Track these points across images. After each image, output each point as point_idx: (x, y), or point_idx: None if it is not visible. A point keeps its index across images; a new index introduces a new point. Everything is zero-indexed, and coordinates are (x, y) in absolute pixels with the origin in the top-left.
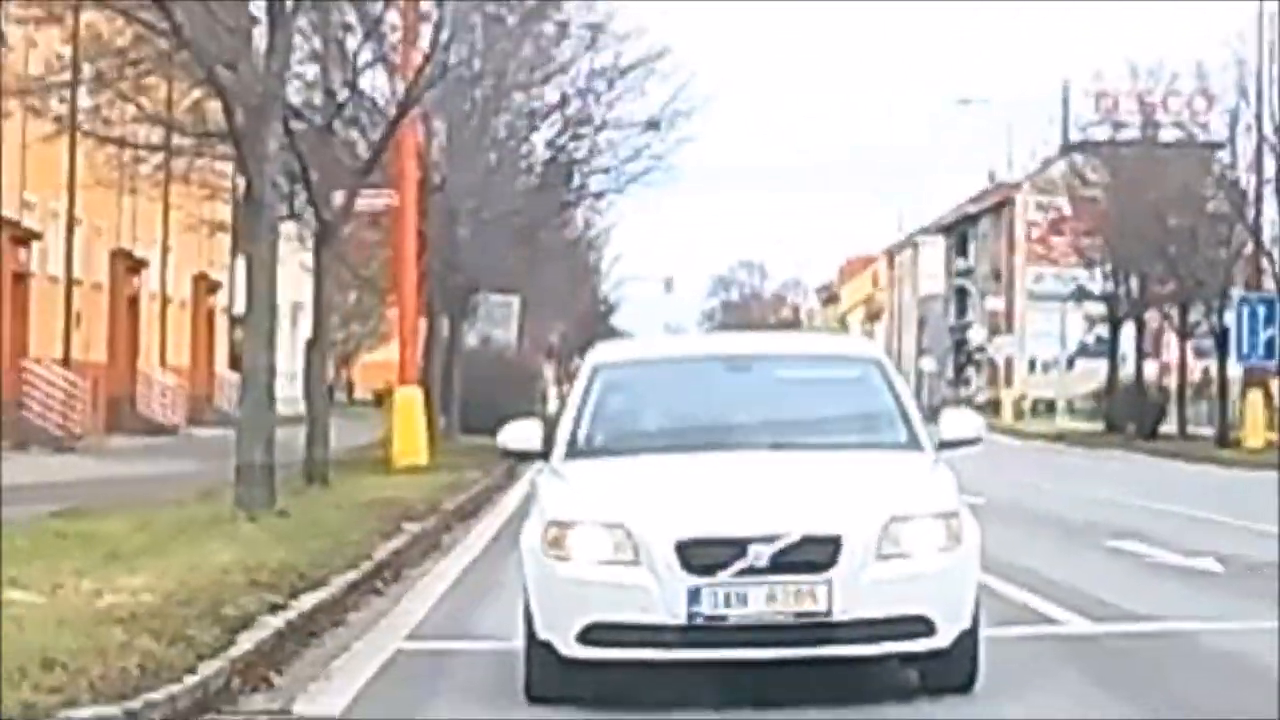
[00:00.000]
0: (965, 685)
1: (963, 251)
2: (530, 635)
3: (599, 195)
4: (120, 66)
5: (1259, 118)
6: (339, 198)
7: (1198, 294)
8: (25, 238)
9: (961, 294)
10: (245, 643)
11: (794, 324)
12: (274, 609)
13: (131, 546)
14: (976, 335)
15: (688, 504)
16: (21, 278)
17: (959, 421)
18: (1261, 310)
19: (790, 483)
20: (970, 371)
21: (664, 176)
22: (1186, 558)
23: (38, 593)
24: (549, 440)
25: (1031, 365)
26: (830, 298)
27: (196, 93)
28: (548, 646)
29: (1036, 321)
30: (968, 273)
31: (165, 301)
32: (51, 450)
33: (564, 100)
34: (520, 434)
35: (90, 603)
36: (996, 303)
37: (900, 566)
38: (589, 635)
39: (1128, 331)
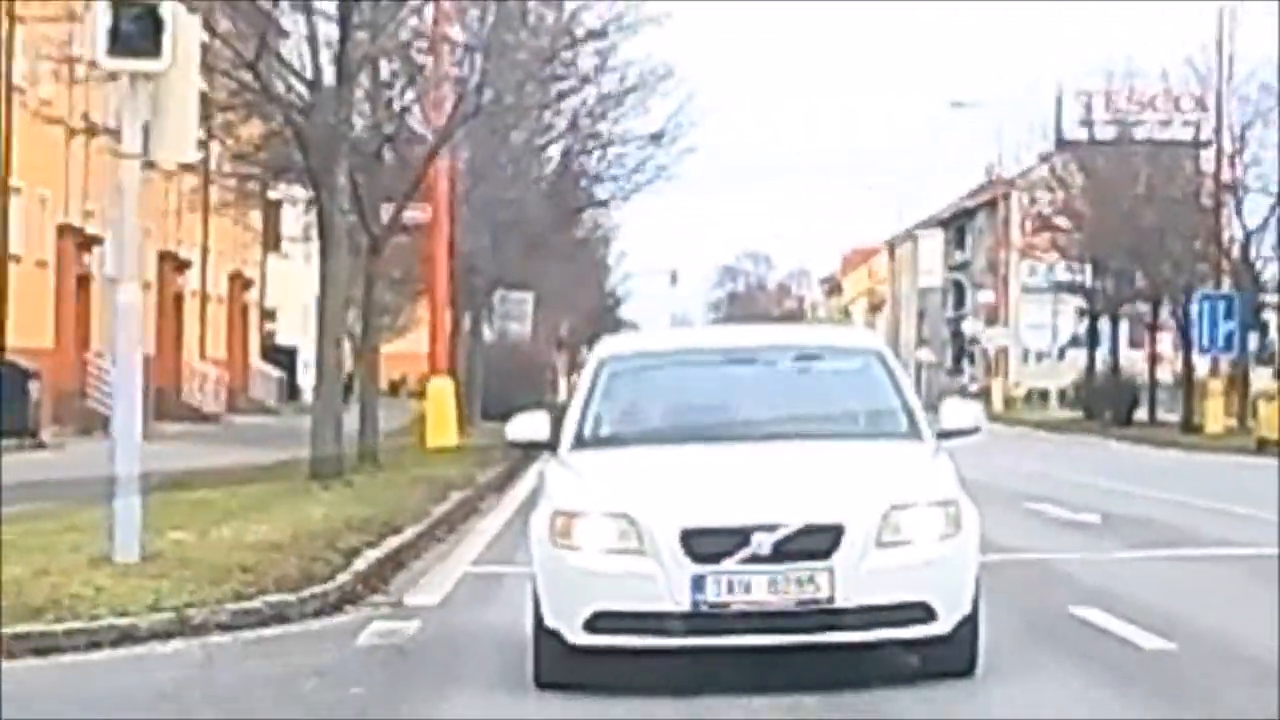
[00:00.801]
0: (966, 670)
1: (960, 245)
2: (538, 623)
3: (606, 203)
4: (211, 115)
5: (1218, 130)
6: (386, 214)
7: (1165, 290)
8: (88, 243)
9: (959, 286)
10: (359, 564)
11: (798, 315)
12: (370, 545)
13: (238, 508)
14: (970, 327)
15: (692, 494)
16: (84, 279)
17: (959, 411)
18: (1221, 306)
19: (792, 472)
20: (965, 362)
21: (668, 183)
22: (1076, 513)
23: (194, 535)
24: (556, 431)
25: (1025, 356)
26: (833, 289)
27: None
28: (555, 634)
29: (1030, 314)
30: (964, 266)
31: (205, 298)
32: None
33: (575, 120)
34: (528, 426)
35: (240, 539)
36: (988, 295)
37: (901, 554)
38: (596, 623)
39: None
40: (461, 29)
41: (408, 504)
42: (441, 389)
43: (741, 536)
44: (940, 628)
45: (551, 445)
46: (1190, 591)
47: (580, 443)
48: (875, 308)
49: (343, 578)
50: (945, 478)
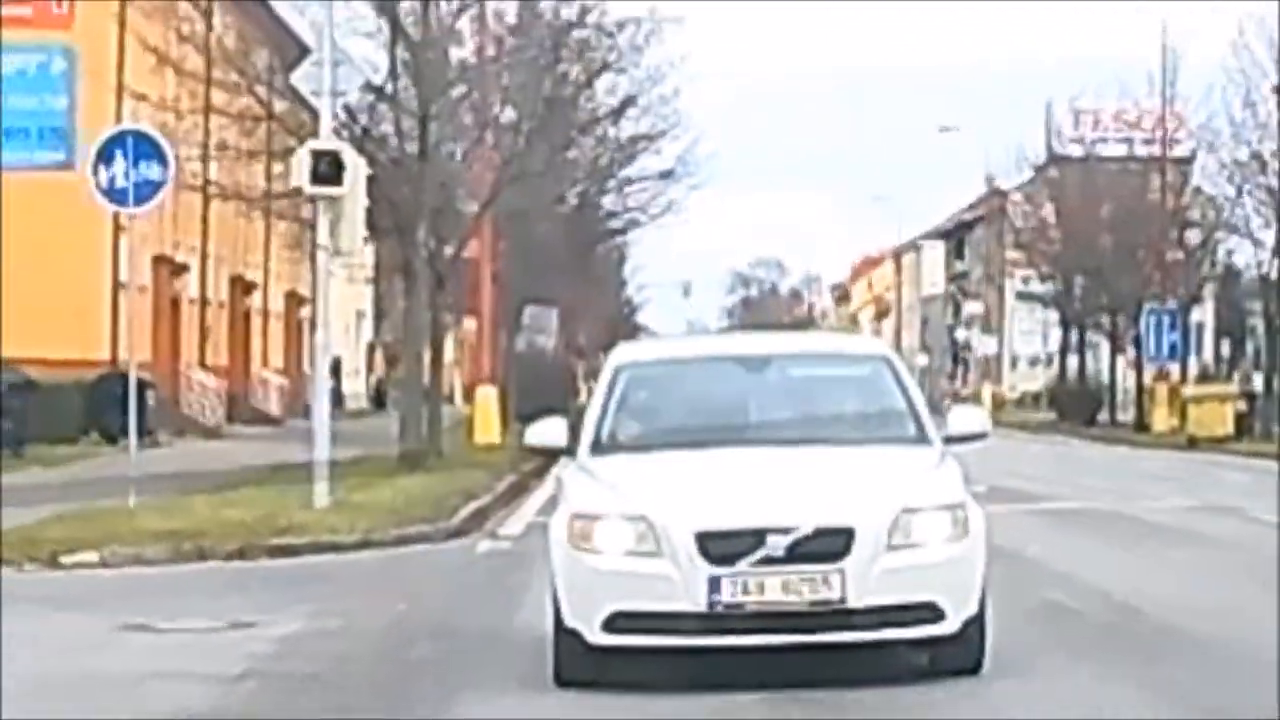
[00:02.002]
0: (973, 669)
1: (959, 255)
2: (558, 623)
3: (623, 232)
4: None
5: (1164, 147)
6: (449, 254)
7: (1120, 304)
8: (177, 270)
9: (959, 295)
10: (462, 513)
11: (808, 322)
12: (463, 504)
13: (369, 480)
14: (962, 334)
15: (707, 497)
16: (175, 302)
17: (967, 417)
18: (1166, 319)
19: (805, 476)
20: (959, 367)
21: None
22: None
23: (354, 493)
24: (573, 437)
25: (1014, 362)
26: (842, 296)
27: None
28: (575, 634)
29: (1025, 321)
30: (964, 275)
31: (267, 315)
32: (202, 436)
33: (595, 163)
34: (546, 432)
35: (383, 497)
36: (976, 306)
37: (910, 556)
38: (614, 623)
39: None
40: (513, 109)
41: (477, 482)
42: (487, 395)
43: (756, 539)
44: (948, 627)
45: (569, 450)
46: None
47: (598, 447)
48: (881, 315)
49: (455, 520)
50: (953, 482)
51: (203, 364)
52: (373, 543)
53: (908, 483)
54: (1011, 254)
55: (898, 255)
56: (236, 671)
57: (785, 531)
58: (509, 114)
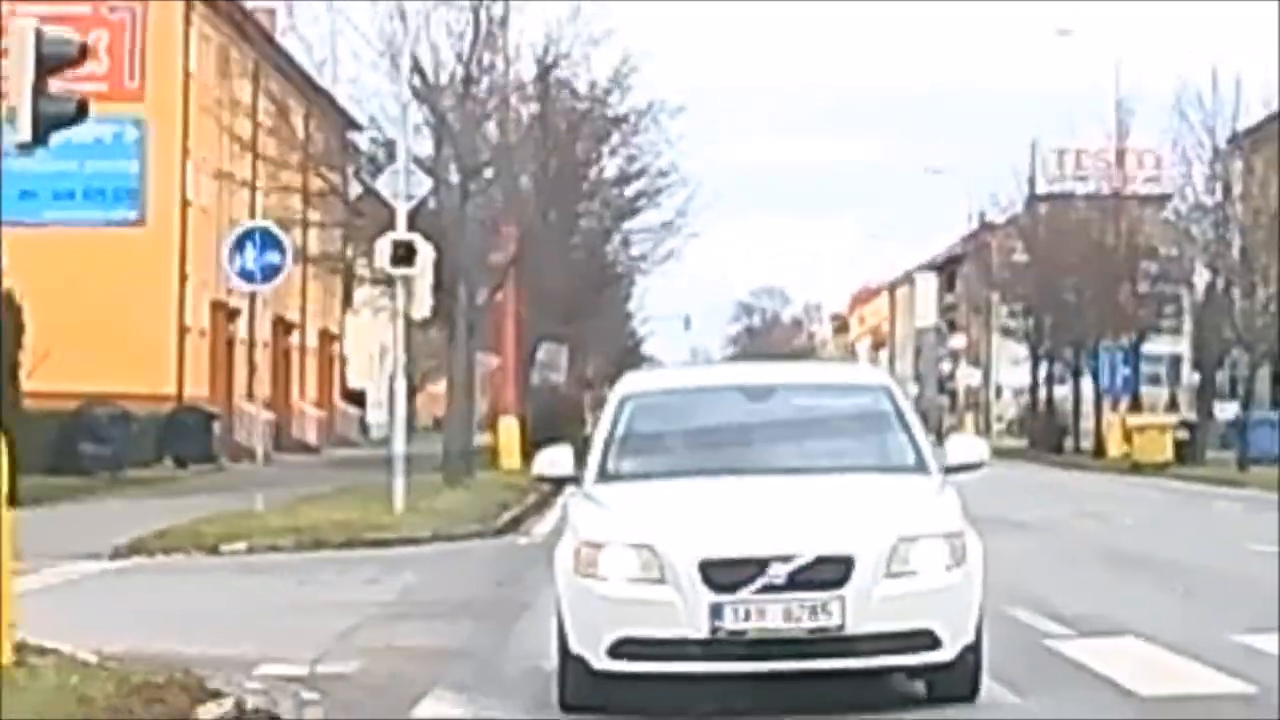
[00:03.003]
0: (969, 695)
1: (950, 288)
2: (564, 649)
3: (628, 278)
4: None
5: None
6: (481, 300)
7: (1083, 339)
8: (232, 314)
9: (951, 326)
10: (503, 519)
11: (809, 352)
12: (501, 512)
13: (424, 493)
14: (947, 366)
15: (710, 526)
16: (230, 343)
17: (965, 446)
18: (1119, 355)
19: (806, 505)
20: (944, 398)
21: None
22: None
23: (419, 502)
24: (580, 465)
25: (998, 391)
26: (841, 326)
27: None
28: (580, 660)
29: (1012, 351)
30: (954, 307)
31: (304, 352)
32: (250, 461)
33: (601, 221)
34: (554, 461)
35: (442, 505)
36: (959, 340)
37: (908, 584)
38: (619, 649)
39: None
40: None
41: (509, 497)
42: (511, 424)
43: (758, 567)
44: (944, 655)
45: (576, 479)
46: None
47: (603, 476)
48: (878, 345)
49: (498, 523)
50: (951, 510)
51: (250, 397)
52: (441, 538)
53: (906, 511)
54: (985, 292)
55: (892, 288)
56: (388, 599)
57: (786, 559)
58: (526, 180)
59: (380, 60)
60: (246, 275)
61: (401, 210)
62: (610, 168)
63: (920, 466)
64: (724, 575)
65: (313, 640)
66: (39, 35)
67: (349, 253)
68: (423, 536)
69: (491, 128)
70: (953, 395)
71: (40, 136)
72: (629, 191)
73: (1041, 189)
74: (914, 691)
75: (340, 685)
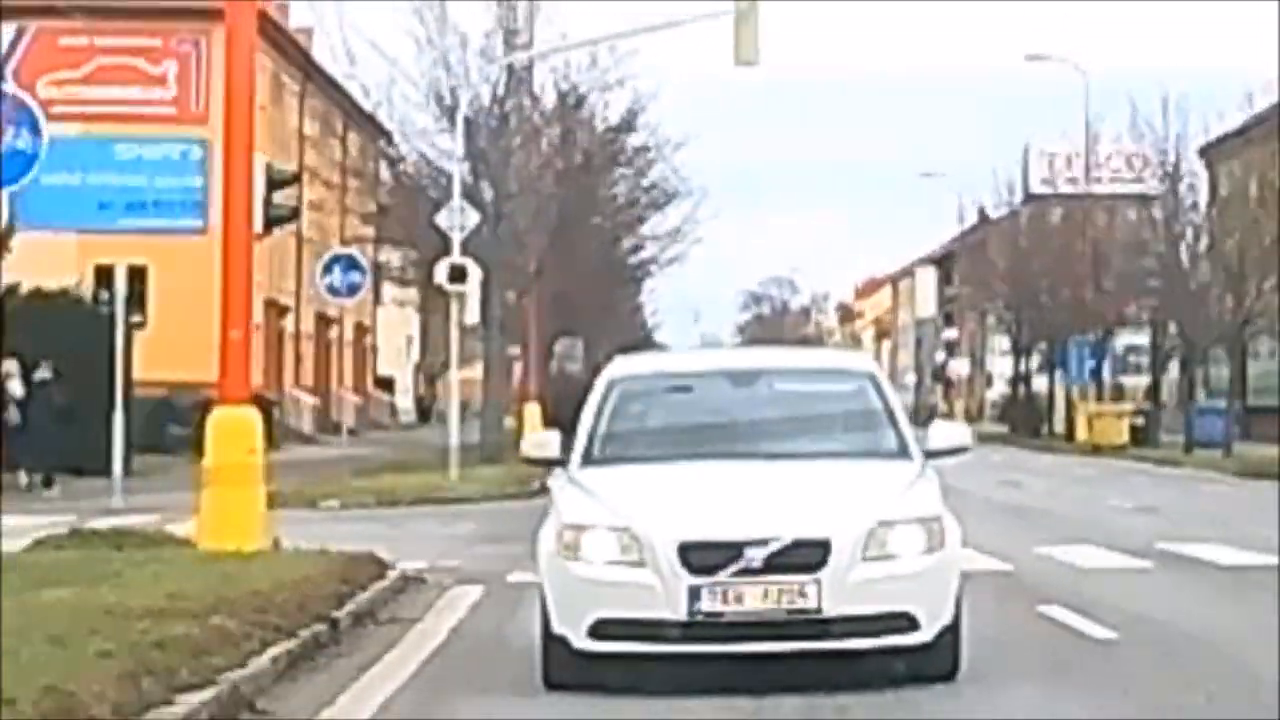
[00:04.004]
0: (948, 675)
1: (949, 281)
2: (546, 629)
3: (639, 279)
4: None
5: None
6: (510, 300)
7: (1056, 333)
8: (282, 311)
9: (948, 318)
10: (536, 484)
11: (815, 340)
12: (534, 480)
13: (471, 465)
14: (941, 356)
15: (690, 509)
16: (280, 337)
17: (947, 432)
18: (1086, 348)
19: (784, 489)
20: (942, 386)
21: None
22: None
23: (472, 470)
24: (566, 449)
25: (989, 380)
26: (846, 316)
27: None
28: (562, 640)
29: (1003, 343)
30: (952, 300)
31: (342, 344)
32: (301, 443)
33: (613, 233)
34: (540, 443)
35: (486, 474)
36: (952, 332)
37: (885, 567)
38: (599, 630)
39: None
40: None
41: (537, 473)
42: (533, 409)
43: (735, 550)
44: (922, 636)
45: (562, 462)
46: None
47: (588, 460)
48: (882, 335)
49: (532, 487)
50: (930, 496)
51: (297, 385)
52: (491, 498)
53: (884, 496)
54: (966, 289)
55: (895, 280)
56: (461, 534)
57: (763, 543)
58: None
59: (427, 101)
60: (334, 291)
61: (456, 239)
62: (621, 185)
63: (902, 452)
64: (702, 558)
65: (423, 553)
66: (269, 168)
67: (379, 256)
68: (475, 496)
69: (519, 154)
70: (948, 384)
71: (268, 230)
72: (640, 195)
73: (1035, 188)
74: (894, 672)
75: (453, 572)
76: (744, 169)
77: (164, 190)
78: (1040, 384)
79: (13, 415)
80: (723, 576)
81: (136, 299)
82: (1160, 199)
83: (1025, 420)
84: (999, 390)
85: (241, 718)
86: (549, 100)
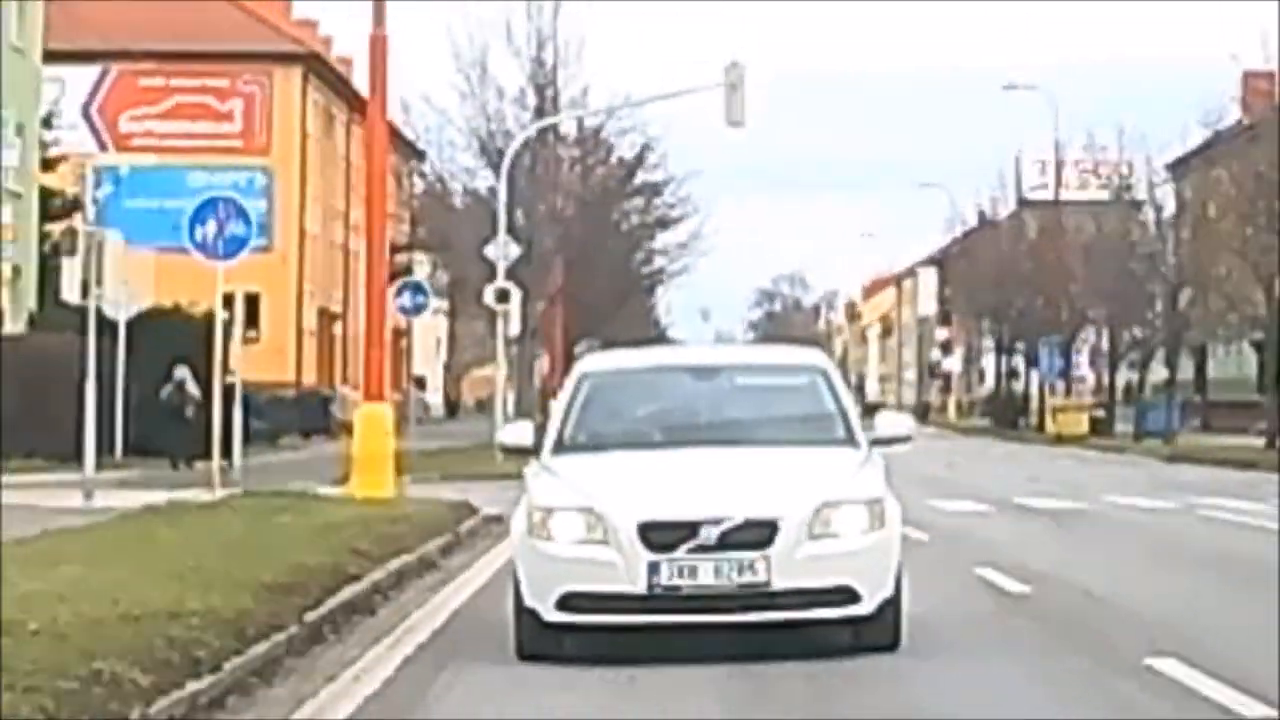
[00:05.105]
0: (890, 645)
1: (948, 282)
2: (518, 603)
3: (651, 287)
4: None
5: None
6: (539, 311)
7: (1032, 334)
8: (334, 318)
9: (945, 317)
10: None
11: (823, 337)
12: None
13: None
14: (935, 354)
15: (649, 492)
16: (331, 339)
17: (892, 422)
18: (1056, 348)
19: (737, 474)
20: (936, 381)
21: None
22: None
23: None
24: (539, 438)
25: (980, 376)
26: (853, 314)
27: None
28: (533, 613)
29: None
30: (951, 299)
31: (383, 345)
32: (348, 435)
33: (629, 251)
34: (515, 433)
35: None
36: (944, 332)
37: (829, 545)
38: (566, 603)
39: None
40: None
41: None
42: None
43: (691, 529)
44: (864, 608)
45: (535, 450)
46: None
47: (559, 447)
48: (887, 332)
49: None
50: (873, 479)
51: (344, 382)
52: None
53: (829, 480)
54: (957, 291)
55: (899, 280)
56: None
57: (717, 522)
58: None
59: (469, 143)
60: (404, 310)
61: (501, 267)
62: (634, 215)
63: (849, 440)
64: (661, 536)
65: (493, 506)
66: (394, 247)
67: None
68: (516, 474)
69: (547, 188)
70: (946, 379)
71: (391, 281)
72: (650, 217)
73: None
74: (840, 642)
75: None
76: (758, 166)
77: None
78: (1024, 381)
79: (190, 411)
80: (680, 553)
81: (251, 317)
82: (1117, 209)
83: (1005, 414)
84: (989, 387)
85: (421, 575)
86: (572, 141)
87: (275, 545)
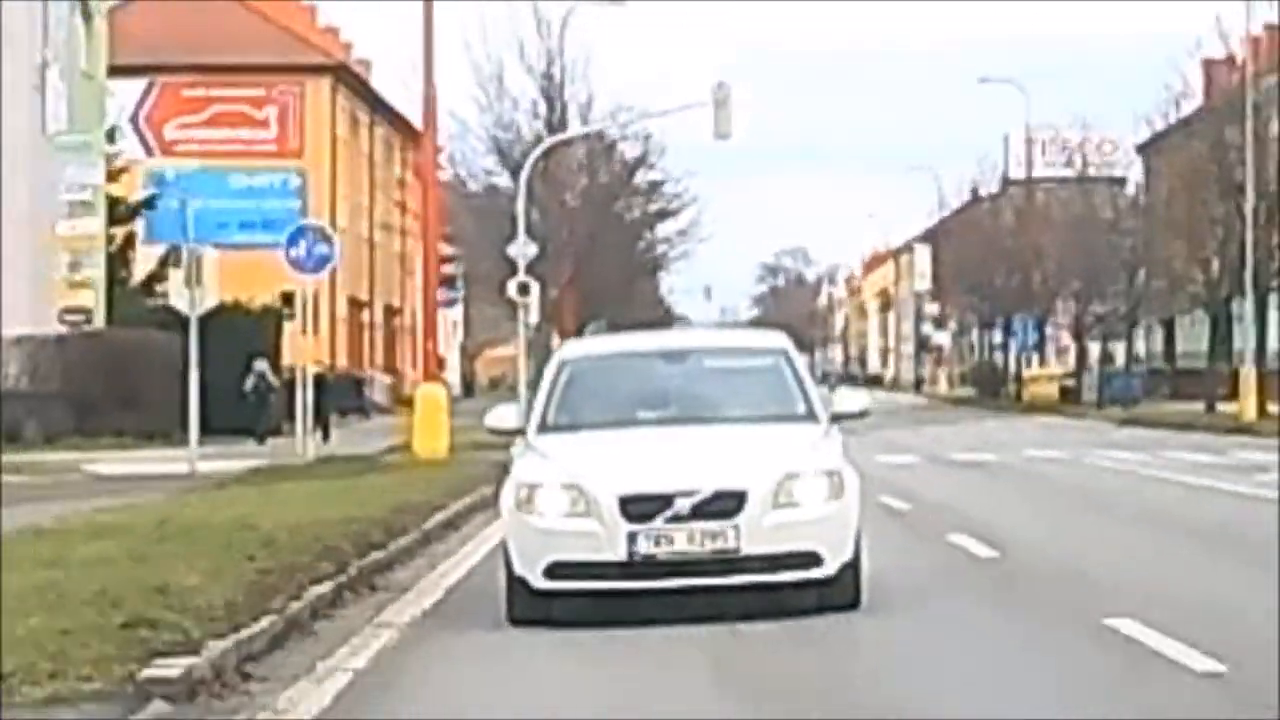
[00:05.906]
0: (851, 604)
1: (940, 257)
2: (509, 572)
3: (655, 270)
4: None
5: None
6: (552, 297)
7: (1009, 311)
8: (362, 306)
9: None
10: None
11: (824, 312)
12: None
13: None
14: (926, 329)
15: (628, 468)
16: (360, 326)
17: (849, 398)
18: (1031, 324)
19: (708, 449)
20: (925, 355)
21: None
22: None
23: None
24: (525, 420)
25: (971, 349)
26: (853, 289)
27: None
28: (522, 581)
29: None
30: (941, 276)
31: (405, 331)
32: (380, 414)
33: (633, 241)
34: (502, 415)
35: None
36: (933, 307)
37: (793, 513)
38: (553, 571)
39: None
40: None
41: None
42: None
43: (666, 501)
44: (826, 571)
45: (521, 431)
46: None
47: (543, 428)
48: (885, 307)
49: None
50: (832, 452)
51: (373, 365)
52: None
53: (792, 453)
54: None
55: (896, 255)
56: None
57: (690, 494)
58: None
59: (488, 150)
60: (443, 305)
61: (521, 264)
62: (637, 201)
63: (810, 416)
64: (639, 508)
65: None
66: (442, 258)
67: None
68: None
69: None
70: (938, 352)
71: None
72: (651, 208)
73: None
74: (806, 603)
75: None
76: (760, 142)
77: (269, 211)
78: (991, 354)
79: (272, 397)
80: (656, 523)
81: (311, 313)
82: (1081, 189)
83: (987, 385)
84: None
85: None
86: (580, 144)
87: (377, 489)
